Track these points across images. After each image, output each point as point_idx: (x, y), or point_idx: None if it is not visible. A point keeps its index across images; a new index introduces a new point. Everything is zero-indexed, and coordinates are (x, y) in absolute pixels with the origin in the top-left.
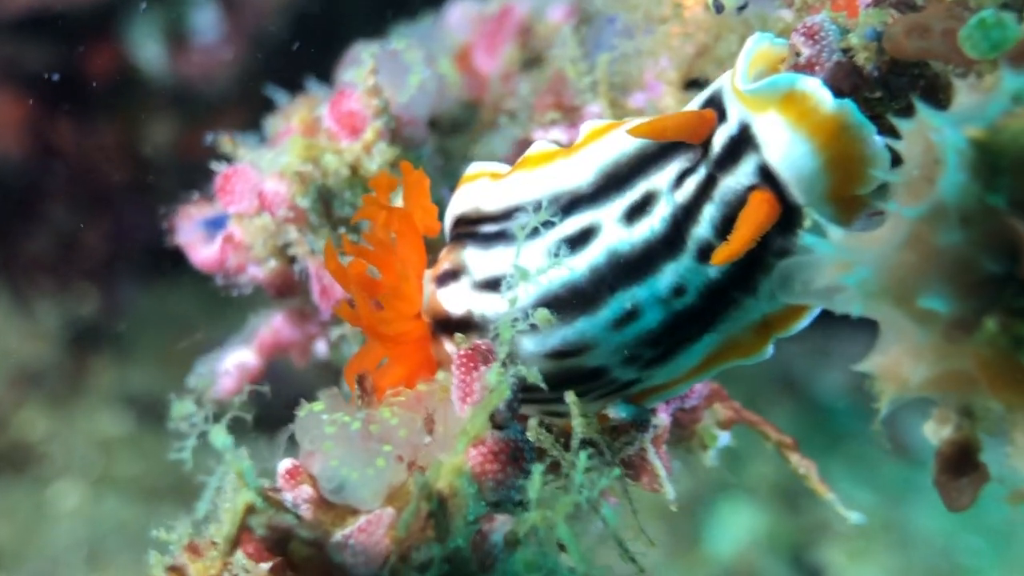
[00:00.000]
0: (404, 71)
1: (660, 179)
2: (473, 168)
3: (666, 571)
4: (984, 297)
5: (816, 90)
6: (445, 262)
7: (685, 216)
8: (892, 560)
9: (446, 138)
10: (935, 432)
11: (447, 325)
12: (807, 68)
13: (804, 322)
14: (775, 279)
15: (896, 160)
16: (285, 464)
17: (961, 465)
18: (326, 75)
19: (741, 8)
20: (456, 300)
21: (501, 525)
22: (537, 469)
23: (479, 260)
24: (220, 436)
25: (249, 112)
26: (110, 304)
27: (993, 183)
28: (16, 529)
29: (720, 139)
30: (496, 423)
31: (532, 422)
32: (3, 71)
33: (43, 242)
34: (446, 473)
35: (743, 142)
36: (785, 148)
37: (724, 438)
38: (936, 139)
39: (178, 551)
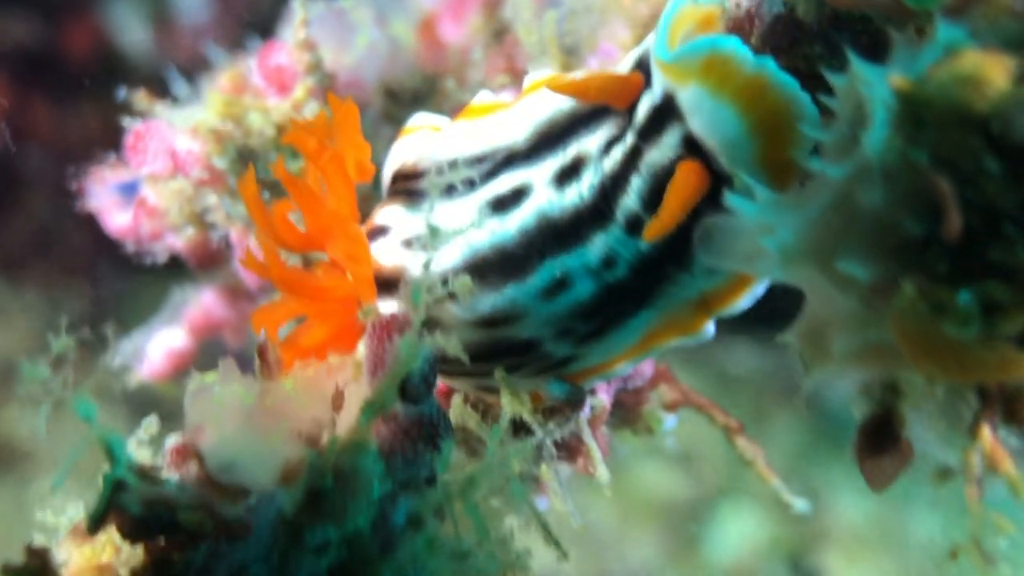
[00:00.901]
0: (351, 30)
1: (590, 143)
2: (414, 120)
3: (665, 574)
4: (905, 260)
5: (735, 51)
6: (378, 217)
7: (613, 186)
8: (890, 566)
9: (404, 109)
10: (860, 407)
11: (377, 283)
12: (747, 21)
13: (744, 301)
14: (698, 239)
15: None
16: (172, 441)
17: (883, 442)
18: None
19: None
20: (386, 256)
21: (404, 503)
22: (448, 445)
23: (413, 215)
24: (84, 403)
25: None
26: (97, 298)
27: (917, 137)
28: None
29: (644, 108)
30: (410, 397)
31: (457, 399)
32: None
33: (25, 233)
34: (346, 449)
35: (667, 112)
36: (708, 116)
37: (670, 421)
38: (866, 93)
39: (64, 535)
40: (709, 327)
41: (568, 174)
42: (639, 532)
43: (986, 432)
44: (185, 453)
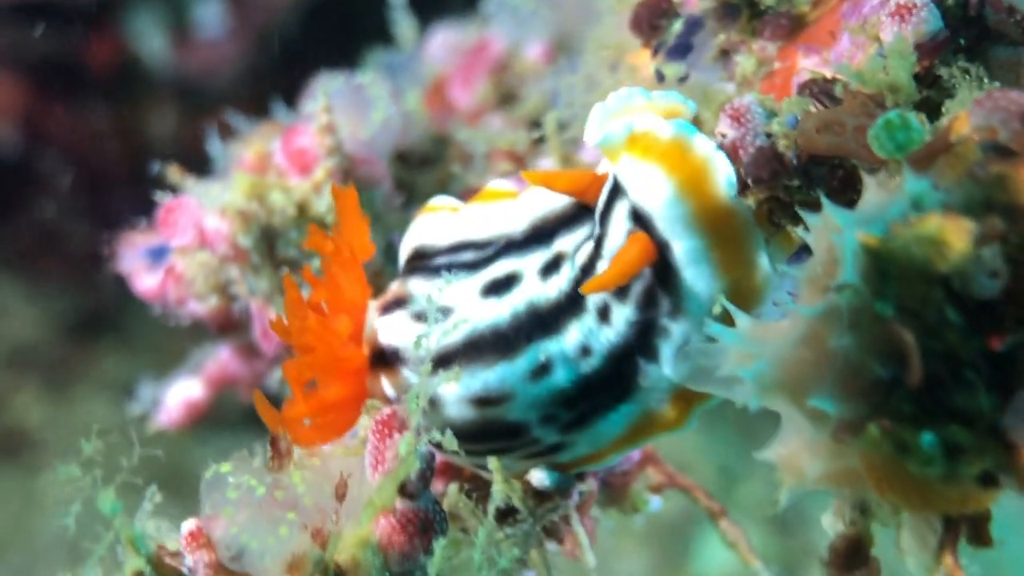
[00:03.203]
0: (367, 106)
1: (569, 242)
2: (435, 201)
3: None
4: (872, 400)
5: (652, 123)
6: (395, 290)
7: (584, 276)
8: None
9: (415, 172)
10: (832, 525)
11: (383, 358)
12: (731, 152)
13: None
14: (678, 364)
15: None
16: (188, 525)
17: (853, 560)
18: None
19: (682, 79)
20: (393, 331)
21: None
22: (439, 543)
23: (422, 290)
24: (108, 500)
25: (254, 109)
26: (111, 290)
27: (882, 289)
28: (4, 517)
29: (603, 194)
30: (407, 493)
31: (453, 488)
32: (2, 56)
33: (34, 230)
34: (349, 545)
35: (615, 190)
36: (641, 181)
37: (655, 503)
38: (836, 240)
39: None
40: (691, 420)
41: (551, 268)
42: (628, 547)
43: (948, 559)
44: (200, 538)
